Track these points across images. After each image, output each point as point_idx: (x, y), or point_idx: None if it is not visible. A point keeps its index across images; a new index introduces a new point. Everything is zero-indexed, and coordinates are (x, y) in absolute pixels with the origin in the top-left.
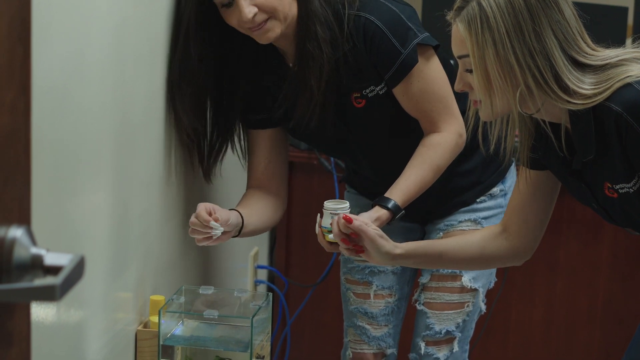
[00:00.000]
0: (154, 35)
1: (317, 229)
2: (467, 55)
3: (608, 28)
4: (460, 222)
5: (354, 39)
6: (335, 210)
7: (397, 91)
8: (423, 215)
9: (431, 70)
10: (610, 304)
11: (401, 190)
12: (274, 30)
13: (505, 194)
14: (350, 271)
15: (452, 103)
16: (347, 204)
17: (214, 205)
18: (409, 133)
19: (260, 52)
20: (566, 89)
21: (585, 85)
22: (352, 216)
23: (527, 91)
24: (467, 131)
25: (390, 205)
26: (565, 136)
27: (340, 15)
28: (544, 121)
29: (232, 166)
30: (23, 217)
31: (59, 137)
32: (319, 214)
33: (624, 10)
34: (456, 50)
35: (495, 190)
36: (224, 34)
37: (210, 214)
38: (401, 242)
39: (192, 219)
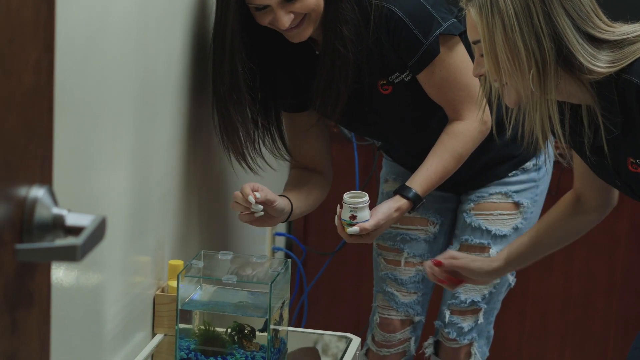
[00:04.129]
0: (176, 4)
1: (337, 221)
2: (480, 41)
3: None
4: (491, 194)
5: (378, 31)
6: (355, 204)
7: (421, 78)
8: (456, 186)
9: (454, 59)
10: (629, 276)
11: (422, 179)
12: (307, 31)
13: (539, 168)
14: (381, 237)
15: (477, 91)
16: (365, 197)
17: (261, 186)
18: (438, 114)
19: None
20: (580, 68)
21: (599, 62)
22: (439, 258)
23: (537, 74)
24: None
25: (410, 195)
26: (586, 115)
27: (365, 8)
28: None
29: None
30: (45, 177)
31: (81, 97)
32: (338, 206)
33: None
34: (470, 35)
35: (529, 164)
36: (260, 31)
37: (254, 190)
38: (436, 209)
39: (236, 191)
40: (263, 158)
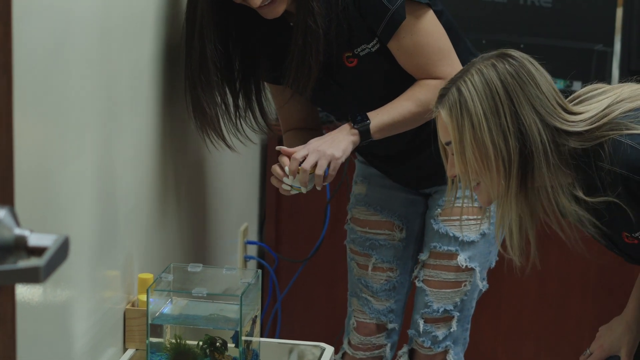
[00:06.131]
0: (140, 11)
1: (287, 186)
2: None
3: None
4: (457, 198)
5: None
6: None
7: (392, 47)
8: (420, 181)
9: (423, 24)
10: (603, 275)
11: (377, 110)
12: (281, 7)
13: None
14: (353, 241)
15: (451, 54)
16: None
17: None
18: (404, 90)
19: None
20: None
21: (559, 177)
22: None
23: (504, 173)
24: None
25: (361, 127)
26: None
27: None
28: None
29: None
30: (6, 198)
31: (42, 115)
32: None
33: None
34: (442, 137)
35: None
36: (234, 6)
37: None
38: (402, 213)
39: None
40: (244, 133)
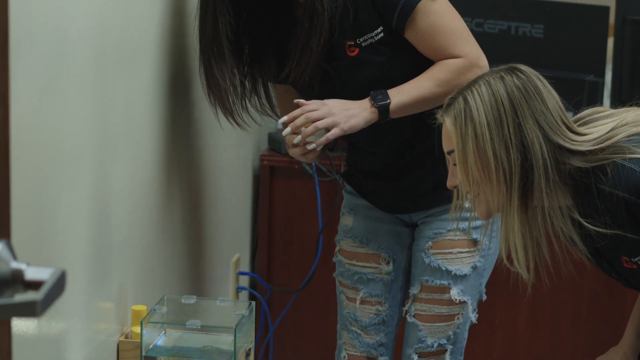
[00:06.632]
0: (135, 38)
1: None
2: (454, 150)
3: (589, 27)
4: (448, 230)
5: None
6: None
7: (409, 33)
8: (407, 205)
9: (438, 5)
10: (595, 304)
11: (397, 88)
12: None
13: None
14: (341, 274)
15: (469, 35)
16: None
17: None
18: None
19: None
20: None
21: (558, 195)
22: None
23: (505, 185)
24: None
25: (381, 107)
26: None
27: None
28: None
29: (211, 165)
30: (3, 231)
31: (37, 146)
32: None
33: (606, 9)
34: (445, 145)
35: None
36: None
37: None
38: (388, 246)
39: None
40: (249, 114)
